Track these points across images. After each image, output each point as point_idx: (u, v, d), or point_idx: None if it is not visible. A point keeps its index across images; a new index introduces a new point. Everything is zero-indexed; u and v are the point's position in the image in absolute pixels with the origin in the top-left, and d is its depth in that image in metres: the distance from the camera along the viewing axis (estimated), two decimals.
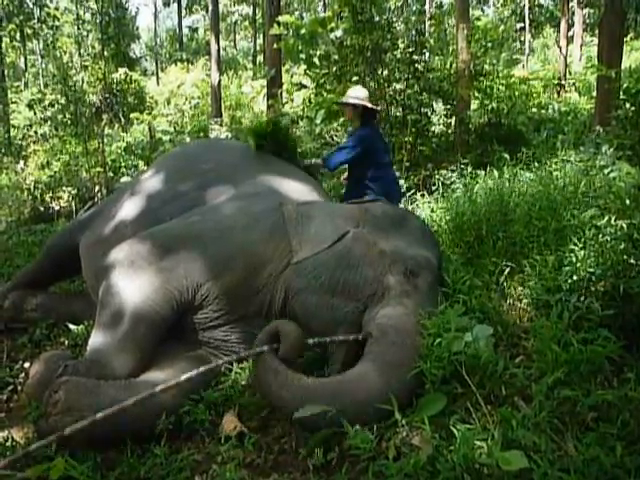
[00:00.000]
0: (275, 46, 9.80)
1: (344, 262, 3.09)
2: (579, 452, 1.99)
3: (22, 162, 11.22)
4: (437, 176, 6.13)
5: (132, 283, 3.05)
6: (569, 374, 2.37)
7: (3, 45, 20.41)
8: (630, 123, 6.21)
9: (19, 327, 4.13)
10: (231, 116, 14.87)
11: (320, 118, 7.15)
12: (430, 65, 8.13)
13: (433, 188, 5.91)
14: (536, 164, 5.51)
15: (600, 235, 3.25)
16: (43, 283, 4.42)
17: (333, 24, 7.61)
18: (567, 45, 16.32)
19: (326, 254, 3.15)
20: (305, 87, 8.44)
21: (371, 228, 3.28)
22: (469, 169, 5.73)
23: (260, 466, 2.43)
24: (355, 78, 7.33)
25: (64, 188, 8.79)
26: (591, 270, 3.01)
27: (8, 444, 2.59)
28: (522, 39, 22.32)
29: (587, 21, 22.13)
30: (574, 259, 3.17)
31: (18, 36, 21.91)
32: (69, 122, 10.89)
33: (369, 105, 4.72)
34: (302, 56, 7.99)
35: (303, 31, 7.77)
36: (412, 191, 5.99)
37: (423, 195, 5.74)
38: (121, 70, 16.57)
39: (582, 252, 3.20)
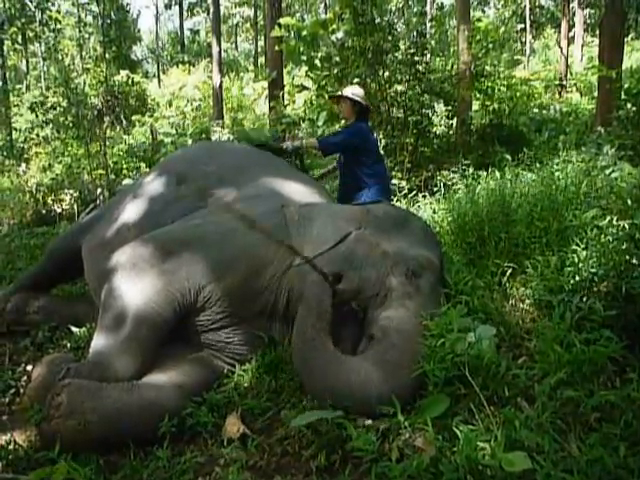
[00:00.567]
0: (276, 48, 9.80)
1: (347, 263, 3.09)
2: (582, 453, 1.98)
3: (24, 165, 11.25)
4: (438, 177, 6.13)
5: (134, 286, 3.05)
6: (572, 375, 2.36)
7: (5, 48, 20.47)
8: (631, 123, 6.22)
9: (21, 330, 4.13)
10: (233, 118, 14.90)
11: (322, 120, 7.17)
12: (431, 66, 8.13)
13: (435, 189, 5.91)
14: (538, 165, 5.50)
15: (602, 235, 3.25)
16: (45, 286, 4.42)
17: (334, 26, 7.61)
18: (568, 46, 16.33)
19: (328, 255, 3.15)
20: (306, 89, 8.44)
21: (373, 229, 3.28)
22: (471, 170, 5.72)
23: (263, 468, 2.42)
24: (356, 80, 7.32)
25: (66, 190, 8.80)
26: (593, 270, 3.01)
27: (10, 447, 2.58)
28: (523, 40, 22.36)
29: (588, 22, 22.14)
30: (576, 259, 3.17)
31: (20, 39, 22.01)
32: (71, 125, 10.90)
33: (364, 103, 4.76)
34: (303, 58, 7.98)
35: (304, 33, 7.77)
36: (414, 192, 5.99)
37: (425, 196, 5.74)
38: (123, 72, 16.62)
39: (584, 252, 3.19)
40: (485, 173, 5.45)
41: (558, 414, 2.20)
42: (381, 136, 7.35)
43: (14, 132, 16.24)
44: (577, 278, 3.03)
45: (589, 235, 3.34)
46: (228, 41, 33.87)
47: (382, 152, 7.08)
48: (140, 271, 3.10)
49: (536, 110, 9.94)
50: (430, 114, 7.94)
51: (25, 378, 3.39)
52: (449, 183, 5.79)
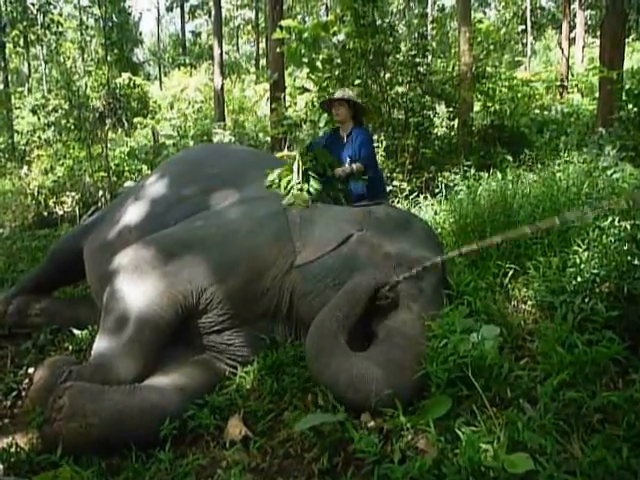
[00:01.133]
0: (278, 50, 9.80)
1: (349, 265, 3.09)
2: (585, 454, 1.98)
3: (26, 167, 11.26)
4: (440, 178, 6.14)
5: (136, 288, 3.05)
6: (574, 376, 2.36)
7: (7, 51, 20.51)
8: (632, 124, 6.22)
9: (23, 332, 4.13)
10: (234, 120, 14.90)
11: (323, 122, 7.16)
12: (432, 68, 8.14)
13: (436, 190, 5.91)
14: (539, 166, 5.51)
15: (604, 236, 3.24)
16: (47, 288, 4.42)
17: (335, 28, 7.61)
18: (569, 47, 16.34)
19: (330, 257, 3.15)
20: (308, 91, 8.44)
21: (375, 231, 3.27)
22: (472, 171, 5.72)
23: (265, 470, 2.42)
24: (358, 81, 7.34)
25: (68, 193, 8.82)
26: (595, 271, 3.00)
27: (12, 450, 2.58)
28: (524, 41, 22.37)
29: (589, 23, 22.16)
30: (578, 260, 3.17)
31: (22, 42, 22.03)
32: (73, 127, 10.91)
33: (361, 103, 4.72)
34: (305, 60, 7.98)
35: (306, 35, 7.76)
36: (415, 193, 5.99)
37: (426, 197, 5.74)
38: (124, 75, 16.65)
39: (586, 253, 3.19)
40: (486, 174, 5.45)
41: (561, 415, 2.19)
42: (382, 137, 7.36)
43: (16, 135, 16.25)
44: (579, 279, 3.02)
45: (591, 236, 3.33)
46: (230, 43, 33.91)
47: (383, 153, 7.11)
48: (142, 273, 3.10)
49: (537, 111, 9.96)
50: (431, 115, 7.95)
51: (27, 381, 3.38)
52: (450, 184, 5.79)
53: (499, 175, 5.24)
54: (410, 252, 3.13)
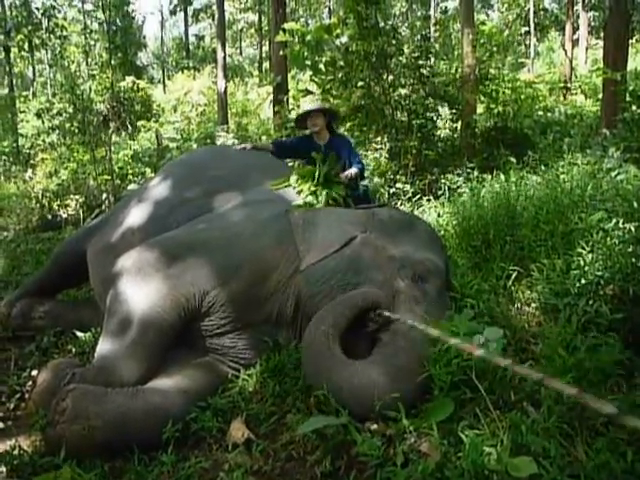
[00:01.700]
0: (281, 53, 9.83)
1: (353, 266, 3.09)
2: (589, 458, 1.97)
3: (30, 170, 11.29)
4: (443, 180, 6.13)
5: (140, 290, 3.06)
6: (578, 379, 2.35)
7: (12, 55, 20.60)
8: (637, 125, 6.20)
9: (27, 335, 4.14)
10: (237, 123, 14.91)
11: None
12: (435, 70, 8.13)
13: (439, 193, 5.90)
14: (543, 167, 5.49)
15: (608, 238, 3.23)
16: (51, 291, 4.43)
17: (338, 30, 7.61)
18: (572, 48, 16.32)
19: (334, 259, 3.15)
20: (311, 93, 8.44)
21: (379, 233, 3.27)
22: (475, 173, 5.72)
23: (267, 473, 2.41)
24: (360, 83, 7.34)
25: (72, 196, 8.82)
26: (599, 273, 3.00)
27: (15, 452, 2.58)
28: (527, 43, 22.36)
29: (592, 24, 22.12)
30: (582, 263, 3.15)
31: (27, 46, 22.12)
32: (77, 130, 10.95)
33: (334, 111, 4.72)
34: (308, 62, 7.99)
35: (309, 38, 7.77)
36: (418, 196, 5.98)
37: (429, 200, 5.73)
38: (128, 78, 16.69)
39: (590, 255, 3.18)
40: (490, 176, 5.45)
41: (564, 419, 2.18)
42: (385, 139, 7.35)
43: (20, 138, 16.31)
44: (583, 281, 3.02)
45: (595, 238, 3.32)
46: (233, 46, 33.95)
47: (387, 155, 7.10)
48: (145, 276, 3.10)
49: (541, 113, 9.92)
50: (434, 117, 7.94)
51: (30, 383, 3.39)
52: (454, 186, 5.78)
53: (502, 177, 5.23)
54: (414, 254, 3.13)
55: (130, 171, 10.09)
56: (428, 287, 3.02)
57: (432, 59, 8.08)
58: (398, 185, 6.58)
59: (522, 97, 8.99)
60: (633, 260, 2.97)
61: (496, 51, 9.37)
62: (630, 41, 10.52)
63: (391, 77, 7.48)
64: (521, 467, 1.89)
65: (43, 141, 14.01)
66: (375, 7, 7.19)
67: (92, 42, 24.36)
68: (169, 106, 17.85)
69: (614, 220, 3.34)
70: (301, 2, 32.06)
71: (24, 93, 21.34)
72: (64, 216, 8.32)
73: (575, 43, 18.00)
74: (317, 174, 3.89)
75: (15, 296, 4.36)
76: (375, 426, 2.48)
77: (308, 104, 4.69)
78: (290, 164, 4.96)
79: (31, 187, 9.52)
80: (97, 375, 2.80)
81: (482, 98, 8.56)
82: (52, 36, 22.72)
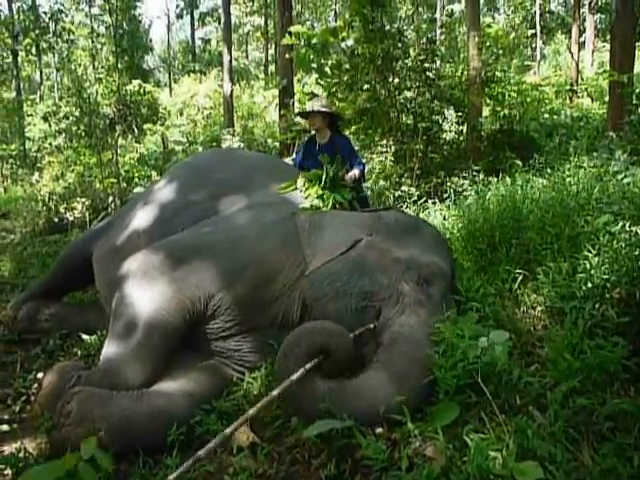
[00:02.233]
0: (287, 56, 9.85)
1: (358, 269, 3.09)
2: (595, 463, 1.96)
3: (37, 174, 11.34)
4: (449, 183, 6.12)
5: (145, 293, 3.06)
6: (584, 383, 2.33)
7: (20, 59, 20.72)
8: None
9: (33, 337, 4.16)
10: (243, 126, 14.95)
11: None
12: (441, 73, 8.12)
13: (445, 196, 5.89)
14: (549, 170, 5.47)
15: (614, 241, 3.21)
16: (57, 293, 4.44)
17: (344, 33, 7.63)
18: (579, 51, 16.27)
19: (339, 261, 3.14)
20: (317, 96, 8.45)
21: (384, 236, 3.27)
22: (481, 176, 5.70)
23: (272, 477, 2.41)
24: (366, 86, 7.34)
25: (78, 199, 8.84)
26: (606, 277, 2.98)
27: (20, 455, 2.59)
28: (533, 45, 22.33)
29: (598, 27, 22.08)
30: (588, 266, 3.13)
31: (34, 50, 22.25)
32: (83, 134, 10.99)
33: (335, 113, 4.73)
34: (314, 65, 8.00)
35: (314, 41, 7.78)
36: (423, 199, 5.97)
37: (435, 203, 5.72)
38: (135, 82, 16.73)
39: (596, 259, 3.16)
40: (496, 179, 5.43)
41: (571, 423, 2.17)
42: (391, 142, 7.35)
43: (27, 142, 16.40)
44: (589, 285, 3.00)
45: (601, 241, 3.30)
46: (239, 50, 34.04)
47: (392, 158, 7.09)
48: (151, 279, 3.11)
49: (547, 115, 9.90)
50: (440, 120, 7.93)
51: (36, 386, 3.40)
52: (459, 189, 5.77)
53: (508, 180, 5.21)
54: (419, 257, 3.13)
55: (136, 174, 10.12)
56: (433, 290, 3.01)
57: (438, 62, 8.06)
58: (403, 188, 6.57)
59: (528, 100, 8.97)
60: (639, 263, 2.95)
61: (502, 54, 9.36)
62: (637, 44, 10.47)
63: (397, 80, 7.48)
64: (527, 472, 1.88)
65: (50, 144, 14.08)
66: (381, 10, 7.20)
67: (99, 46, 24.50)
68: (175, 109, 17.92)
69: (621, 223, 3.32)
70: (307, 5, 32.15)
71: (31, 97, 21.50)
72: (70, 219, 8.34)
73: (581, 46, 17.97)
74: (324, 178, 3.89)
75: (21, 299, 4.38)
76: (380, 430, 2.47)
77: (313, 102, 4.70)
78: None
79: (38, 190, 9.56)
80: (102, 378, 2.81)
81: (488, 101, 8.54)
82: (59, 40, 22.87)
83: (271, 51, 28.78)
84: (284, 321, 3.22)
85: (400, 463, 2.18)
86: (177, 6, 31.12)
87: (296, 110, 10.09)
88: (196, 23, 31.63)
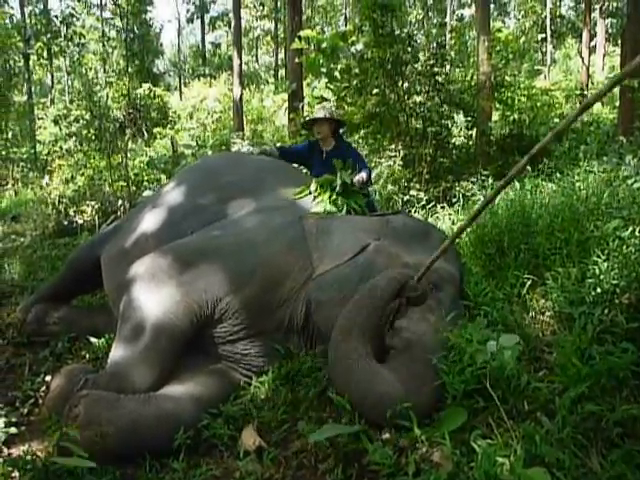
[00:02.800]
0: (296, 60, 9.89)
1: (366, 274, 3.07)
2: (604, 469, 1.94)
3: (47, 177, 11.38)
4: (458, 188, 6.10)
5: (153, 297, 3.06)
6: (593, 389, 2.32)
7: (31, 63, 20.87)
8: None
9: (41, 340, 4.17)
10: (253, 130, 15.00)
11: (341, 131, 7.16)
12: (451, 77, 8.10)
13: (454, 200, 5.88)
14: (558, 175, 5.44)
15: (624, 246, 3.20)
16: (65, 296, 4.45)
17: (354, 38, 7.63)
18: (589, 55, 16.22)
19: (347, 266, 3.14)
20: (326, 100, 8.46)
21: (393, 240, 3.26)
22: (490, 181, 5.68)
23: None
24: (375, 91, 7.34)
25: (88, 202, 8.88)
26: (615, 282, 2.96)
27: (29, 458, 2.59)
28: (544, 50, 22.26)
29: (609, 31, 21.98)
30: (597, 271, 3.12)
31: (45, 54, 22.40)
32: (93, 137, 11.05)
33: (340, 119, 4.77)
34: (323, 70, 8.01)
35: (324, 45, 7.80)
36: (432, 203, 5.96)
37: (443, 207, 5.71)
38: (145, 86, 16.85)
39: (606, 264, 3.14)
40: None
41: (579, 429, 2.15)
42: (400, 147, 7.34)
43: (38, 145, 16.50)
44: (598, 290, 2.98)
45: (611, 246, 3.28)
46: (249, 54, 34.15)
47: (401, 163, 7.09)
48: (159, 282, 3.11)
49: (557, 120, 9.84)
50: (449, 125, 7.91)
51: (44, 388, 3.41)
52: (468, 194, 5.75)
53: (517, 185, 5.19)
54: (428, 262, 3.11)
55: (146, 178, 10.15)
56: (442, 295, 3.00)
57: (447, 66, 8.06)
58: (412, 192, 6.56)
59: (538, 104, 8.95)
60: None
61: (512, 58, 9.36)
62: None
63: (406, 84, 7.48)
64: (535, 478, 1.86)
65: (60, 148, 14.14)
66: (391, 14, 7.20)
67: (110, 50, 24.66)
68: (185, 113, 17.99)
69: (630, 228, 3.30)
70: (317, 10, 32.23)
71: (42, 100, 21.61)
72: (80, 222, 8.38)
73: (592, 50, 17.90)
74: (338, 183, 3.90)
75: (30, 302, 4.40)
76: (387, 435, 2.46)
77: (320, 110, 4.71)
78: (305, 170, 4.95)
79: (48, 193, 9.59)
80: (110, 381, 2.82)
81: (497, 105, 8.53)
82: (70, 44, 23.01)
83: (281, 55, 28.90)
84: (290, 324, 3.23)
85: (407, 468, 2.17)
86: (188, 10, 31.31)
87: (305, 114, 10.11)
88: (206, 27, 31.79)
